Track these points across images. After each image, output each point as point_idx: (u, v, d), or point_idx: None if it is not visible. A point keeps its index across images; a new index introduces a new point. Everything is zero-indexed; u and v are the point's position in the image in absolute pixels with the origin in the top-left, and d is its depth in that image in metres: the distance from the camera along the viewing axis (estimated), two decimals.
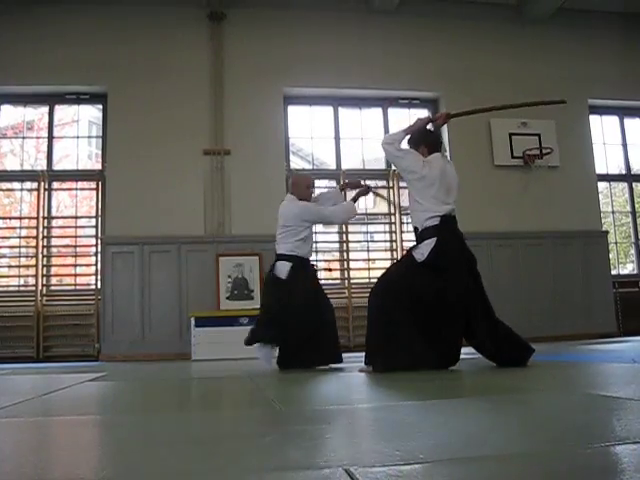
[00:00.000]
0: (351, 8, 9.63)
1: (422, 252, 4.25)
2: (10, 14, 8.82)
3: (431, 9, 9.80)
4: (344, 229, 9.24)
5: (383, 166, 9.76)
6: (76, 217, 9.16)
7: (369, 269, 9.35)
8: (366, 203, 9.81)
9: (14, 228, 9.13)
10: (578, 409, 2.11)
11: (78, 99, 9.30)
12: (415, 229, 4.45)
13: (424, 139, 4.72)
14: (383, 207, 9.81)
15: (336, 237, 9.42)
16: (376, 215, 10.06)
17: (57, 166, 9.19)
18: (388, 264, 9.34)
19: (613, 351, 5.82)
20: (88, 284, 8.89)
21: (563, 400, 2.36)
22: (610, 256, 10.01)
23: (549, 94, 9.78)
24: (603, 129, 10.66)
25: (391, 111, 10.04)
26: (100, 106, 9.35)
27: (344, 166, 9.60)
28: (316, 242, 9.22)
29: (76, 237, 9.06)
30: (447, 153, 9.12)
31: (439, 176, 4.40)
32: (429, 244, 4.23)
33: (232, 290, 8.48)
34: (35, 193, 8.92)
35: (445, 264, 4.17)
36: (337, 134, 9.81)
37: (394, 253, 9.41)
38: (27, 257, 8.97)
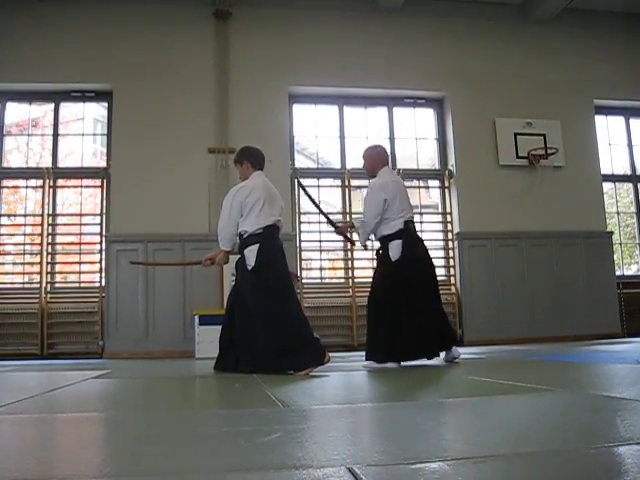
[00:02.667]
0: (357, 7, 9.62)
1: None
2: (16, 11, 8.83)
3: (436, 8, 9.78)
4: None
5: None
6: (81, 215, 9.16)
7: (373, 268, 9.31)
8: None
9: (19, 225, 9.15)
10: (582, 409, 2.11)
11: (83, 97, 9.31)
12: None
13: (247, 156, 4.99)
14: None
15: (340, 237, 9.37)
16: None
17: (62, 164, 9.20)
18: None
19: (617, 352, 5.80)
20: (92, 282, 8.90)
21: (567, 400, 2.36)
22: (615, 257, 9.99)
23: (555, 94, 9.85)
24: (609, 129, 10.63)
25: (396, 110, 10.03)
26: (105, 104, 9.36)
27: (349, 165, 9.59)
28: (320, 241, 9.24)
29: (80, 234, 9.07)
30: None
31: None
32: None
33: None
34: (40, 190, 8.93)
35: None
36: (342, 133, 9.80)
37: None
38: (32, 254, 8.98)
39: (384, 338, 4.69)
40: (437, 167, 9.96)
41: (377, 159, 5.25)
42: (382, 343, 4.72)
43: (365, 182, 7.41)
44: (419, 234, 5.38)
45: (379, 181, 5.11)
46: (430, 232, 9.80)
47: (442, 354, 4.90)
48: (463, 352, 6.69)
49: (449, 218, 9.64)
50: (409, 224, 4.97)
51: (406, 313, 4.65)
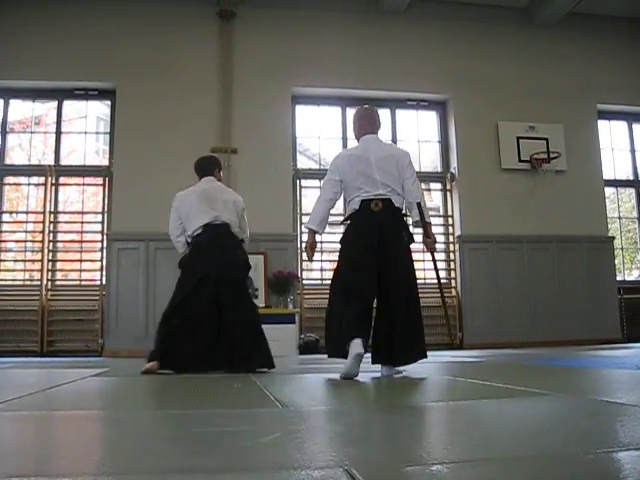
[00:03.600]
0: (361, 9, 9.63)
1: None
2: (20, 9, 8.85)
3: (440, 11, 9.80)
4: None
5: None
6: (82, 212, 9.17)
7: None
8: None
9: (21, 222, 9.16)
10: (582, 414, 2.10)
11: (87, 95, 9.32)
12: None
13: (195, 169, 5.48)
14: None
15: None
16: None
17: (64, 161, 9.21)
18: None
19: (617, 357, 5.80)
20: (93, 280, 8.91)
21: (566, 405, 2.35)
22: (616, 262, 9.99)
23: (558, 98, 9.85)
24: (611, 134, 10.63)
25: (399, 112, 10.03)
26: (108, 102, 9.37)
27: None
28: (321, 242, 9.22)
29: (82, 232, 9.08)
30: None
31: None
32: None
33: None
34: (42, 188, 8.94)
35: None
36: (344, 134, 9.80)
37: None
38: (33, 252, 8.99)
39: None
40: (439, 170, 9.96)
41: (356, 125, 4.42)
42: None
43: None
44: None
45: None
46: None
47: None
48: (463, 355, 6.71)
49: (450, 221, 9.65)
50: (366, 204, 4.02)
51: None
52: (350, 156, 4.21)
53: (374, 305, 3.98)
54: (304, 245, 4.41)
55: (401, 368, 3.95)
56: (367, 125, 4.35)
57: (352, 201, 4.11)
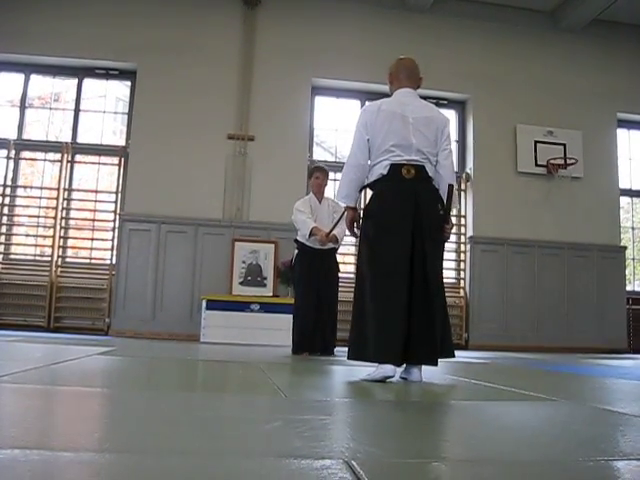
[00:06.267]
0: (386, 3, 9.59)
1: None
2: None
3: (465, 10, 9.74)
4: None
5: None
6: (96, 191, 9.20)
7: None
8: None
9: (34, 198, 9.20)
10: (583, 421, 2.10)
11: (107, 74, 9.34)
12: None
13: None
14: None
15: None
16: None
17: (81, 139, 9.23)
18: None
19: (622, 367, 5.78)
20: (103, 259, 8.94)
21: (568, 411, 2.35)
22: (626, 272, 9.94)
23: (578, 104, 9.80)
24: (630, 143, 10.56)
25: None
26: (128, 83, 9.38)
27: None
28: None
29: (95, 211, 9.11)
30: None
31: None
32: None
33: (246, 276, 8.50)
34: (58, 164, 8.97)
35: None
36: None
37: None
38: (45, 227, 9.03)
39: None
40: (455, 169, 9.90)
41: (393, 74, 3.96)
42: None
43: None
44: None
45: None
46: None
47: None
48: (468, 356, 6.70)
49: (463, 221, 9.62)
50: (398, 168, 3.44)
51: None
52: (382, 111, 3.57)
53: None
54: (343, 225, 4.21)
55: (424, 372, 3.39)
56: (406, 77, 3.80)
57: (378, 165, 3.48)
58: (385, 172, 3.42)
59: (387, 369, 3.16)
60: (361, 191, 3.63)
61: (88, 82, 9.42)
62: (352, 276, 5.84)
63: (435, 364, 3.30)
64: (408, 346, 3.23)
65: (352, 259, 8.94)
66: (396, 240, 3.31)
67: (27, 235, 9.22)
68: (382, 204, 3.43)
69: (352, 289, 3.51)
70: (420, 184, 3.41)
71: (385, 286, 3.28)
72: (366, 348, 3.28)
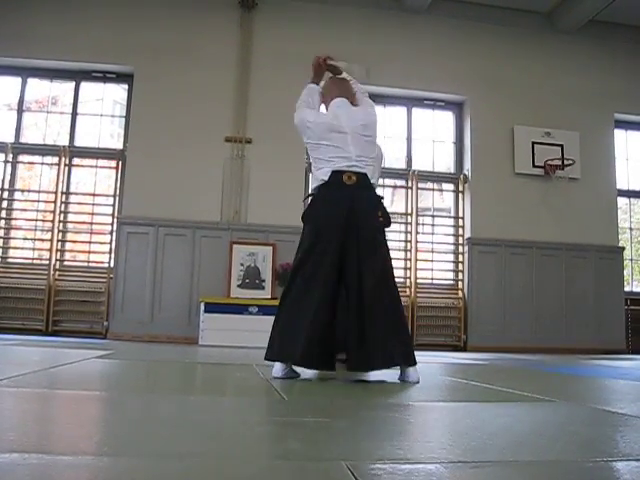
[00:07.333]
0: (382, 4, 9.60)
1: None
2: None
3: (462, 11, 9.75)
4: None
5: (403, 165, 9.75)
6: (94, 195, 9.19)
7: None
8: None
9: (32, 201, 9.19)
10: (582, 422, 2.10)
11: (105, 77, 9.34)
12: None
13: None
14: (400, 207, 9.79)
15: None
16: (392, 214, 10.01)
17: (79, 143, 9.23)
18: (402, 263, 9.36)
19: (620, 368, 5.78)
20: (101, 262, 8.94)
21: (567, 412, 2.35)
22: (624, 272, 9.95)
23: (575, 105, 9.81)
24: (627, 144, 10.57)
25: (415, 111, 10.01)
26: (125, 86, 9.39)
27: None
28: None
29: (93, 214, 9.10)
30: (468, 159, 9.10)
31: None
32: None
33: (244, 278, 8.50)
34: (55, 168, 8.97)
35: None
36: None
37: (408, 253, 9.40)
38: (43, 231, 9.03)
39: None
40: (452, 171, 9.93)
41: (324, 97, 4.08)
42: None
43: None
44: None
45: None
46: (441, 235, 9.81)
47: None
48: (467, 357, 6.70)
49: (461, 222, 9.63)
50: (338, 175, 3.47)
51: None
52: (321, 124, 3.66)
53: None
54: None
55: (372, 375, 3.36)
56: (337, 89, 3.98)
57: (320, 171, 3.52)
58: (326, 178, 3.47)
59: (276, 368, 3.29)
60: (304, 200, 3.69)
61: (85, 85, 9.42)
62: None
63: (387, 366, 3.30)
64: (347, 351, 3.29)
65: None
66: (327, 248, 3.34)
67: (25, 239, 9.21)
68: (318, 209, 3.49)
69: None
70: (359, 190, 3.45)
71: (305, 290, 3.33)
72: (272, 347, 3.39)
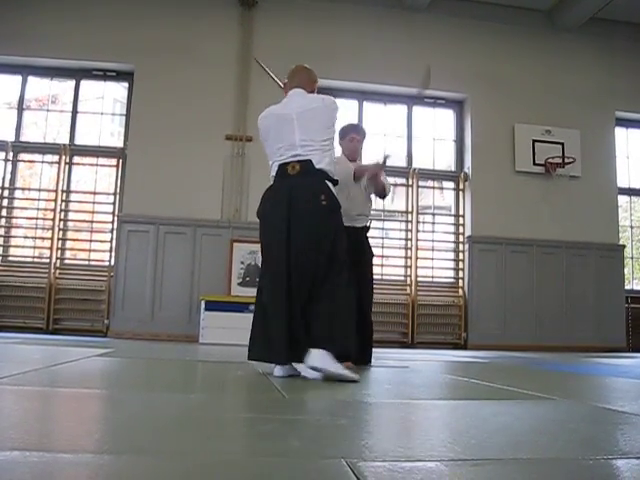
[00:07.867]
0: (383, 3, 9.59)
1: None
2: None
3: (463, 9, 9.74)
4: None
5: (404, 164, 9.74)
6: (94, 193, 9.19)
7: (382, 265, 9.32)
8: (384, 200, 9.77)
9: (33, 200, 9.19)
10: (582, 420, 2.10)
11: (105, 76, 9.34)
12: None
13: None
14: (401, 205, 9.78)
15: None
16: (393, 212, 10.01)
17: (79, 141, 9.23)
18: (402, 261, 9.36)
19: (621, 366, 5.78)
20: (102, 260, 8.93)
21: (567, 410, 2.35)
22: (625, 271, 9.95)
23: (576, 103, 9.80)
24: (628, 142, 10.56)
25: (416, 109, 10.00)
26: (126, 84, 9.38)
27: (365, 161, 9.57)
28: None
29: (93, 213, 9.09)
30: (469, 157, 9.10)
31: None
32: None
33: (244, 277, 8.50)
34: (55, 166, 8.97)
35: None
36: None
37: (409, 251, 9.40)
38: (43, 229, 9.02)
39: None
40: (453, 169, 9.93)
41: (285, 87, 4.02)
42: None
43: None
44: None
45: None
46: (441, 234, 9.81)
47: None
48: (467, 356, 6.70)
49: (461, 221, 9.63)
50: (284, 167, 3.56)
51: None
52: (272, 116, 3.69)
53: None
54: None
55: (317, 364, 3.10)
56: (295, 79, 3.90)
57: (272, 168, 3.66)
58: (274, 174, 3.59)
59: (277, 367, 3.31)
60: None
61: (85, 84, 9.41)
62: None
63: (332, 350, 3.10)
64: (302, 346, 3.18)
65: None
66: (274, 242, 3.39)
67: (25, 237, 9.21)
68: (265, 206, 3.61)
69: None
70: (300, 178, 3.44)
71: (270, 287, 3.43)
72: (253, 347, 3.42)
